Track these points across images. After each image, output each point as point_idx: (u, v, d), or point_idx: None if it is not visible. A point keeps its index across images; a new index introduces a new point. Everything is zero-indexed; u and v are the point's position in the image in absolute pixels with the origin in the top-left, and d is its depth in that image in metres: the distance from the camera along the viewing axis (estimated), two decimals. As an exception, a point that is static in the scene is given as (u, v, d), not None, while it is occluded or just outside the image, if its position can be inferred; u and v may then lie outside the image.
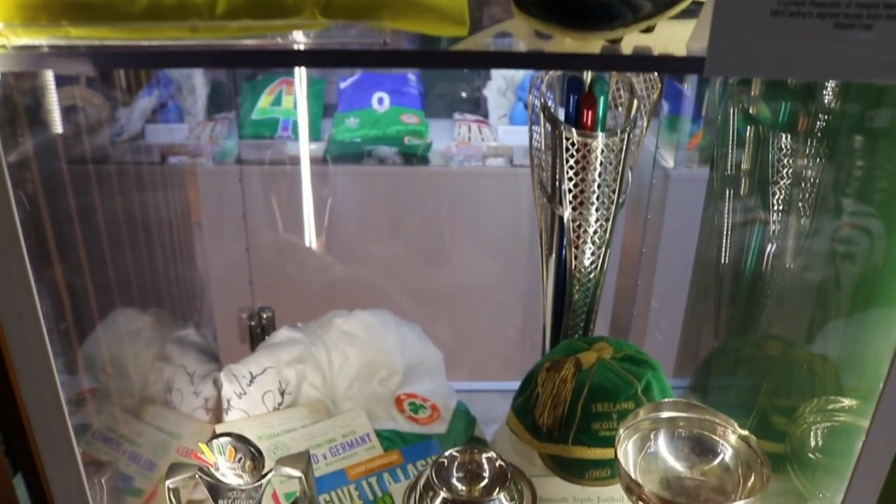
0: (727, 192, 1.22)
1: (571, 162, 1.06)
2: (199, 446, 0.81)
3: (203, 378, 1.15)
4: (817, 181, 1.10)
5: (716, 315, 1.35)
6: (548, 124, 1.09)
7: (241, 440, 0.80)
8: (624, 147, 1.07)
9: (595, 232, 1.10)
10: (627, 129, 1.07)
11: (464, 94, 2.78)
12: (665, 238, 2.01)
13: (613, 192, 1.09)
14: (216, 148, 2.38)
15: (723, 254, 1.32)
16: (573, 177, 1.07)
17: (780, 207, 1.12)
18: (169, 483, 0.82)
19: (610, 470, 1.08)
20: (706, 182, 1.40)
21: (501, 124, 2.57)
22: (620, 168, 1.09)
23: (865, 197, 1.10)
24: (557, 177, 1.09)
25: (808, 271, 1.17)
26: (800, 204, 1.13)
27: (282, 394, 1.16)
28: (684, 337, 1.48)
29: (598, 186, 1.08)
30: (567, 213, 1.09)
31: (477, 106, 2.74)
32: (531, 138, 1.14)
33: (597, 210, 1.09)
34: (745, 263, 1.26)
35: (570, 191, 1.08)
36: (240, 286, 1.87)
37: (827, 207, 1.12)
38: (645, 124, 1.11)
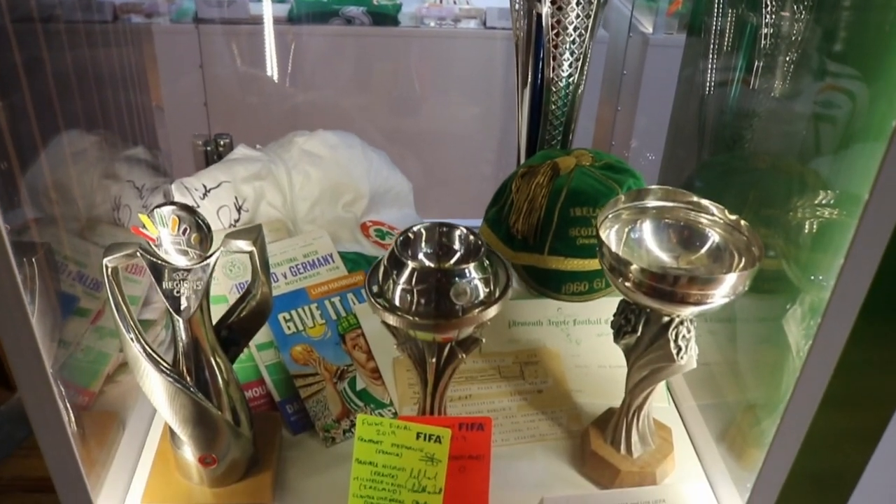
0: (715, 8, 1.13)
1: (551, -51, 0.98)
2: (139, 218, 0.73)
3: (152, 191, 1.07)
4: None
5: (698, 146, 1.29)
6: None
7: (185, 209, 0.72)
8: (608, -65, 0.98)
9: (575, 29, 1.02)
10: (613, -87, 0.98)
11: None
12: (643, 98, 1.93)
13: (596, -15, 1.00)
14: (173, 7, 2.25)
15: (707, 86, 1.25)
16: (553, -35, 0.98)
17: (771, 21, 1.04)
18: (106, 261, 0.74)
19: (588, 284, 1.02)
20: (685, 47, 1.33)
21: (475, -12, 2.46)
22: (604, -40, 1.00)
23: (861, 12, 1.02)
24: (536, -31, 1.00)
25: (796, 94, 1.10)
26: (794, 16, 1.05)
27: (238, 210, 1.08)
28: (662, 177, 1.41)
29: (580, -23, 0.99)
30: (546, 9, 1.01)
31: (449, -28, 2.62)
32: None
33: (577, 4, 1.00)
34: (729, 92, 1.19)
35: (549, -19, 0.99)
36: (195, 113, 1.76)
37: (821, 27, 1.04)
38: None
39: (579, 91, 1.09)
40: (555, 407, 1.01)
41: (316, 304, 1.04)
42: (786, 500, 0.85)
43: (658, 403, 1.02)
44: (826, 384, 0.79)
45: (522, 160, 1.14)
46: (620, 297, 0.85)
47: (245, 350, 0.99)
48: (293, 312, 1.02)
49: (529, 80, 1.08)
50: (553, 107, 1.07)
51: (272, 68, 1.79)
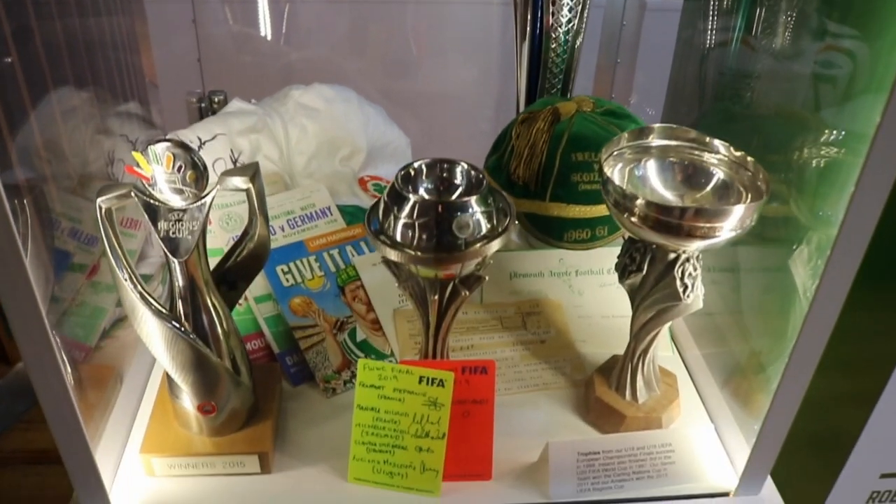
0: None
1: None
2: (133, 157, 0.71)
3: (146, 145, 1.05)
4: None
5: (699, 106, 1.28)
6: None
7: (180, 146, 0.71)
8: None
9: (575, -29, 1.00)
10: None
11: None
12: (641, 59, 1.91)
13: (596, -74, 0.98)
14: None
15: (705, 47, 1.24)
16: None
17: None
18: (100, 201, 0.72)
19: (590, 231, 1.01)
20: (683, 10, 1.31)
21: (469, -45, 2.43)
22: None
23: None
24: None
25: (796, 53, 1.08)
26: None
27: (234, 162, 1.06)
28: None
29: (579, -82, 0.97)
30: (544, -49, 0.99)
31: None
32: None
33: (577, -54, 0.98)
34: (728, 53, 1.18)
35: (548, -78, 0.97)
36: (189, 70, 1.74)
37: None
38: None
39: (579, 40, 1.07)
40: (558, 356, 0.99)
41: (314, 256, 1.02)
42: (792, 443, 0.84)
43: (662, 352, 1.01)
44: (833, 324, 0.78)
45: (521, 108, 1.12)
46: (622, 246, 0.83)
47: (243, 303, 0.98)
48: (291, 265, 1.01)
49: (528, 29, 1.06)
50: (553, 55, 1.05)
51: (266, 32, 1.77)
